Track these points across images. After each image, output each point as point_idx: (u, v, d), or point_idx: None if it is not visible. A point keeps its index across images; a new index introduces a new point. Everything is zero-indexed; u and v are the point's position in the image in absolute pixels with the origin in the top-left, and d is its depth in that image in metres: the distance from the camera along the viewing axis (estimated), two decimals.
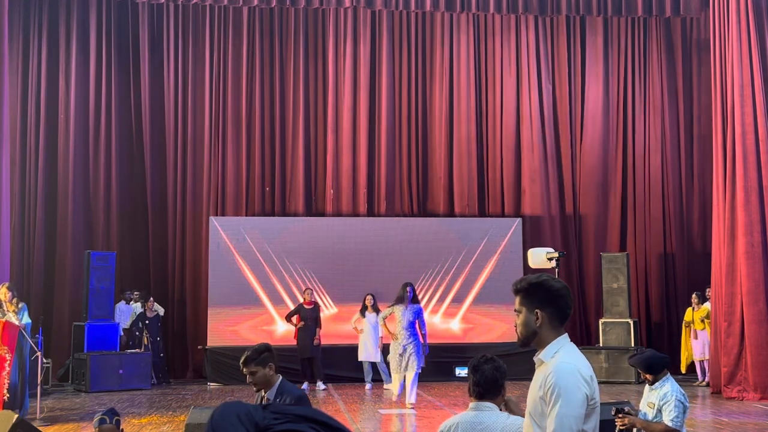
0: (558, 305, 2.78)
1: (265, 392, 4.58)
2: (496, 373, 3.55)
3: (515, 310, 2.86)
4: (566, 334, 2.81)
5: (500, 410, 3.59)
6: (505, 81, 15.18)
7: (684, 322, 13.42)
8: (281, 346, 13.30)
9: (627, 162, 15.26)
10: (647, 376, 4.92)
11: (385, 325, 11.19)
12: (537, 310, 2.77)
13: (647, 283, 14.89)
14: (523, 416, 3.54)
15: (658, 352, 5.20)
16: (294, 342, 12.77)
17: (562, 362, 2.68)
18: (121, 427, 4.76)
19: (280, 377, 4.61)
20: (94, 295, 12.76)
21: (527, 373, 13.16)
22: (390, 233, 14.34)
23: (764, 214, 11.54)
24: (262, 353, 4.55)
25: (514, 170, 15.11)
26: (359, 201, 14.77)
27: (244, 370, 4.58)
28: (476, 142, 15.09)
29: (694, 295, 13.25)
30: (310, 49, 14.98)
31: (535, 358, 2.82)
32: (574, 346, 2.82)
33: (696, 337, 13.01)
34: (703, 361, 12.90)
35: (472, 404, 3.57)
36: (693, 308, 13.15)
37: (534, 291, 2.80)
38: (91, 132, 14.32)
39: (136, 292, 13.66)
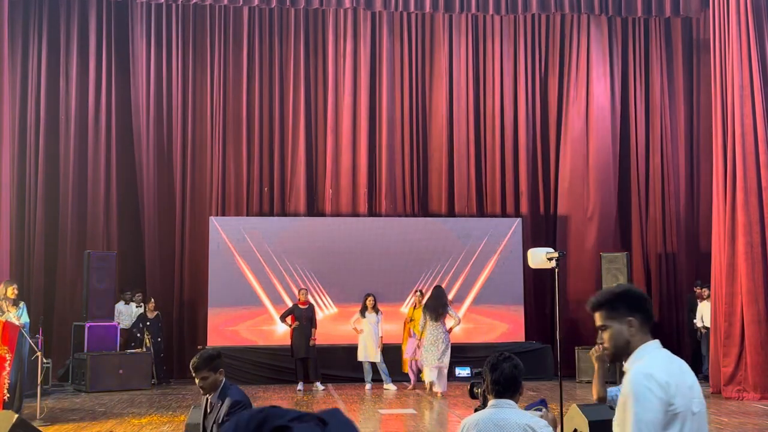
0: (646, 310, 2.76)
1: (211, 396, 4.75)
2: (514, 371, 3.56)
3: (600, 327, 2.80)
4: (657, 341, 2.76)
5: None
6: (505, 81, 15.19)
7: None
8: (280, 345, 13.32)
9: (627, 162, 15.27)
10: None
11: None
12: (630, 318, 2.73)
13: (647, 283, 14.88)
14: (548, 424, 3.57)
15: None
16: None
17: (637, 369, 2.66)
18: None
19: (224, 380, 4.78)
20: (94, 295, 12.76)
21: (527, 373, 13.32)
22: (390, 233, 14.34)
23: (764, 214, 11.54)
24: (215, 359, 4.73)
25: (514, 170, 15.12)
26: (359, 201, 14.77)
27: (195, 375, 4.72)
28: (476, 141, 15.10)
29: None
30: (310, 49, 14.98)
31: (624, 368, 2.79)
32: (665, 352, 2.75)
33: None
34: None
35: (491, 402, 3.57)
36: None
37: (621, 301, 2.77)
38: (90, 132, 14.31)
39: (128, 293, 13.65)
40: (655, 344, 2.74)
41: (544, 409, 3.80)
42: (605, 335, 2.78)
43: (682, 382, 2.66)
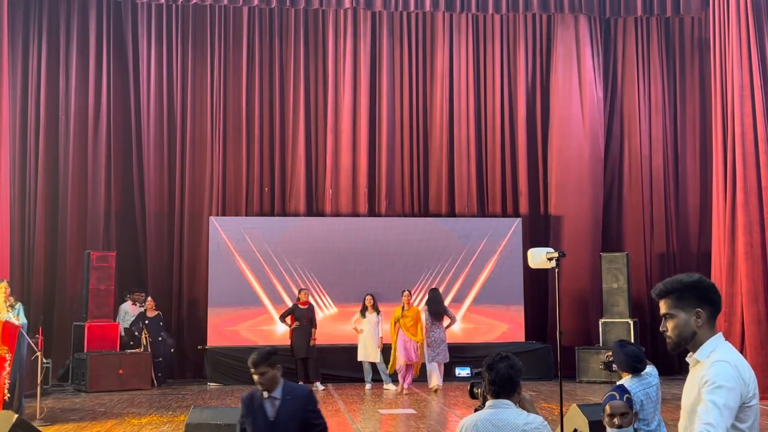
0: (714, 302, 2.74)
1: (270, 392, 4.75)
2: (510, 371, 3.54)
3: (666, 314, 2.76)
4: (720, 333, 2.75)
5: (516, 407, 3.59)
6: (505, 81, 15.19)
7: None
8: (280, 345, 13.29)
9: (627, 162, 15.26)
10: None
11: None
12: (698, 310, 2.71)
13: (647, 283, 14.87)
14: (536, 414, 3.55)
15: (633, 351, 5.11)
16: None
17: (719, 360, 2.65)
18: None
19: (282, 378, 4.82)
20: (94, 295, 12.77)
21: (527, 372, 13.24)
22: (390, 233, 14.34)
23: (764, 214, 11.54)
24: (272, 355, 4.80)
25: (514, 170, 15.12)
26: (359, 201, 14.77)
27: (254, 371, 4.74)
28: (476, 141, 15.09)
29: None
30: (310, 49, 14.99)
31: (688, 359, 2.77)
32: (730, 344, 2.76)
33: None
34: None
35: (489, 402, 3.57)
36: None
37: (691, 291, 2.73)
38: (90, 132, 14.31)
39: (135, 294, 13.64)
40: (721, 336, 2.75)
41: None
42: (670, 323, 2.75)
43: (754, 380, 2.70)
